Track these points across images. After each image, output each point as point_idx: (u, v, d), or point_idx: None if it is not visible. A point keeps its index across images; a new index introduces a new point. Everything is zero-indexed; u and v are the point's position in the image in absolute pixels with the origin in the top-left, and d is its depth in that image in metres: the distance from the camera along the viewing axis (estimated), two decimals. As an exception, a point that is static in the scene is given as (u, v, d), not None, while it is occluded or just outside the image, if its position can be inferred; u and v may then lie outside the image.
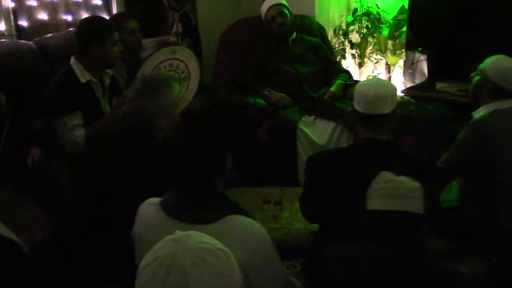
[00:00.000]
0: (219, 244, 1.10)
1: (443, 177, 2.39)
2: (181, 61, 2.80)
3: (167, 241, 1.09)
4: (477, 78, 2.45)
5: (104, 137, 2.37)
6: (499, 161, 2.28)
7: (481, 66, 2.42)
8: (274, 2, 3.56)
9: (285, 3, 3.60)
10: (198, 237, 1.10)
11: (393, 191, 1.56)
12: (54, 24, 3.46)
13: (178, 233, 1.10)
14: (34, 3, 3.36)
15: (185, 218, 1.52)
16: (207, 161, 1.56)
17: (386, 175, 1.62)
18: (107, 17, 3.57)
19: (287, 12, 3.56)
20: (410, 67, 3.77)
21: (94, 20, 2.77)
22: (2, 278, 1.42)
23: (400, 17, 4.01)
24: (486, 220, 2.30)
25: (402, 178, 1.60)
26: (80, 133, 2.52)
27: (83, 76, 2.55)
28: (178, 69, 2.80)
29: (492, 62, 2.39)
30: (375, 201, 1.58)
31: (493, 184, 2.32)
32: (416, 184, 1.58)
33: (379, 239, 1.54)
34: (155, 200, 1.64)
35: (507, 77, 2.34)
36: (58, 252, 2.14)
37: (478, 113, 2.40)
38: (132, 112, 2.21)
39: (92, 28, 2.57)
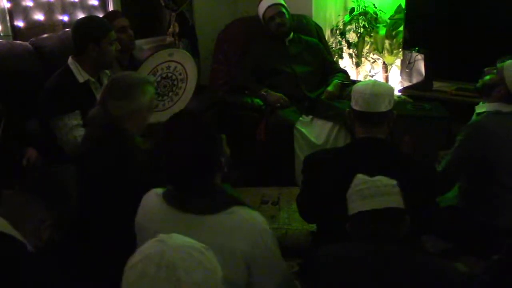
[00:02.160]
0: (200, 244, 1.14)
1: (445, 180, 2.38)
2: (178, 63, 2.79)
3: (153, 242, 1.13)
4: (489, 76, 2.40)
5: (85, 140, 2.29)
6: (498, 162, 2.28)
7: (500, 66, 2.34)
8: (272, 2, 3.55)
9: (283, 2, 3.59)
10: (182, 238, 1.15)
11: (371, 190, 1.58)
12: (50, 25, 3.45)
13: (162, 235, 1.14)
14: (30, 4, 3.35)
15: (187, 208, 1.54)
16: (199, 168, 1.55)
17: (362, 177, 1.65)
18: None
19: (285, 12, 3.56)
20: (407, 67, 3.77)
21: (91, 20, 2.76)
22: (5, 276, 1.41)
23: (397, 16, 4.01)
24: (486, 220, 2.29)
25: (378, 177, 1.62)
26: (80, 133, 2.49)
27: (81, 76, 2.55)
28: (176, 71, 2.80)
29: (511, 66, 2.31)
30: (356, 204, 1.61)
31: (493, 184, 2.32)
32: (392, 181, 1.61)
33: (367, 240, 1.56)
34: (159, 190, 1.64)
35: None
36: (65, 254, 2.13)
37: (481, 109, 2.40)
38: (100, 114, 2.08)
39: (88, 28, 2.57)
